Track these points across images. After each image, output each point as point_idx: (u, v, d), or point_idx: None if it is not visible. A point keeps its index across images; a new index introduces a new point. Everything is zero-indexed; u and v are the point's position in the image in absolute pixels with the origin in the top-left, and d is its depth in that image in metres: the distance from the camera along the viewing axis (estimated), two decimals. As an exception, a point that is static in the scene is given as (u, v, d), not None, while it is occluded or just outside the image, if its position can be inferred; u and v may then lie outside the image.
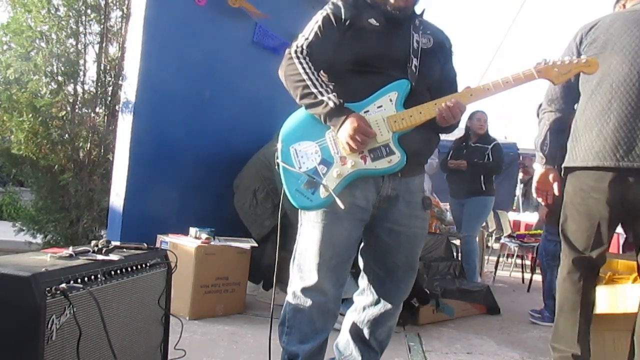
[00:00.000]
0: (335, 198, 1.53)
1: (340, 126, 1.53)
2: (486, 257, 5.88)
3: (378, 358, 1.82)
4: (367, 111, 1.58)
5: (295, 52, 1.61)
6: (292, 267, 1.71)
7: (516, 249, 5.88)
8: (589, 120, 1.93)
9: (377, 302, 1.77)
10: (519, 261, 5.97)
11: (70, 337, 1.24)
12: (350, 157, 1.57)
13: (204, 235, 2.92)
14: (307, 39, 1.63)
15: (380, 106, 1.58)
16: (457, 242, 4.72)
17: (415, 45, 1.66)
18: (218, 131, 3.62)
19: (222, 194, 3.60)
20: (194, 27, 3.39)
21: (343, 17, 1.62)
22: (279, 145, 1.64)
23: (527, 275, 5.31)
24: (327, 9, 1.65)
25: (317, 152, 1.59)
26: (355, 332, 1.80)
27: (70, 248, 1.44)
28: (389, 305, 1.76)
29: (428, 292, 3.09)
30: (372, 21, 1.64)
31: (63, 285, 1.21)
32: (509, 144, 8.67)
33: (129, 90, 3.15)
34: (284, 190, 1.61)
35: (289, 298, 1.70)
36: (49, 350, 1.18)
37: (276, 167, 1.64)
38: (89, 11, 3.92)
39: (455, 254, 4.09)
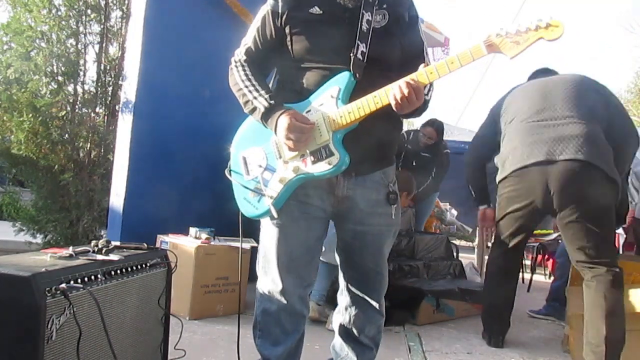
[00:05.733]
0: (271, 208, 1.49)
1: (276, 127, 1.46)
2: (486, 257, 5.86)
3: (374, 353, 1.79)
4: (309, 111, 1.48)
5: (235, 60, 1.59)
6: (258, 268, 1.68)
7: (516, 249, 5.86)
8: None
9: (356, 302, 1.73)
10: (519, 261, 5.96)
11: (70, 337, 1.24)
12: (293, 160, 1.49)
13: (204, 235, 2.91)
14: (246, 44, 1.59)
15: (322, 104, 1.47)
16: (457, 242, 4.74)
17: (365, 26, 1.50)
18: (218, 131, 3.59)
19: (222, 194, 3.58)
20: (194, 27, 3.39)
21: (280, 11, 1.52)
22: (231, 153, 1.62)
23: (527, 275, 5.31)
24: (267, 5, 1.56)
25: (264, 157, 1.54)
26: (345, 332, 1.78)
27: (70, 248, 1.44)
28: (368, 303, 1.71)
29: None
30: (315, 10, 1.51)
31: (63, 285, 1.21)
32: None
33: (129, 90, 3.15)
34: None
35: (257, 301, 1.68)
36: (49, 350, 1.18)
37: (227, 175, 1.61)
38: (89, 11, 3.92)
39: (455, 254, 4.09)
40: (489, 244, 7.38)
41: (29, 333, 1.15)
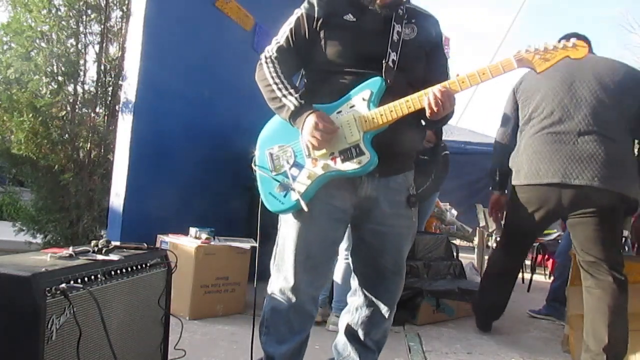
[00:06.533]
0: (301, 202, 1.52)
1: (303, 126, 1.52)
2: (486, 257, 5.86)
3: (376, 356, 1.81)
4: (340, 112, 1.55)
5: (266, 56, 1.63)
6: (272, 267, 1.70)
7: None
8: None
9: (368, 304, 1.75)
10: (519, 261, 5.96)
11: (70, 337, 1.24)
12: (321, 158, 1.54)
13: (204, 235, 2.92)
14: (278, 42, 1.63)
15: (353, 106, 1.54)
16: (457, 242, 4.74)
17: (396, 37, 1.58)
18: (218, 131, 3.62)
19: (222, 194, 3.60)
20: (194, 27, 3.39)
21: (316, 15, 1.58)
22: (256, 150, 1.65)
23: (527, 275, 5.31)
24: (302, 9, 1.62)
25: (292, 154, 1.58)
26: (350, 333, 1.79)
27: (70, 248, 1.44)
28: (380, 307, 1.74)
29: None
30: (349, 17, 1.58)
31: (63, 285, 1.21)
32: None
33: (129, 90, 3.15)
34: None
35: (267, 298, 1.70)
36: (49, 350, 1.18)
37: (252, 171, 1.64)
38: (89, 11, 3.92)
39: (455, 254, 4.09)
40: (489, 244, 7.44)
41: (29, 333, 1.15)
